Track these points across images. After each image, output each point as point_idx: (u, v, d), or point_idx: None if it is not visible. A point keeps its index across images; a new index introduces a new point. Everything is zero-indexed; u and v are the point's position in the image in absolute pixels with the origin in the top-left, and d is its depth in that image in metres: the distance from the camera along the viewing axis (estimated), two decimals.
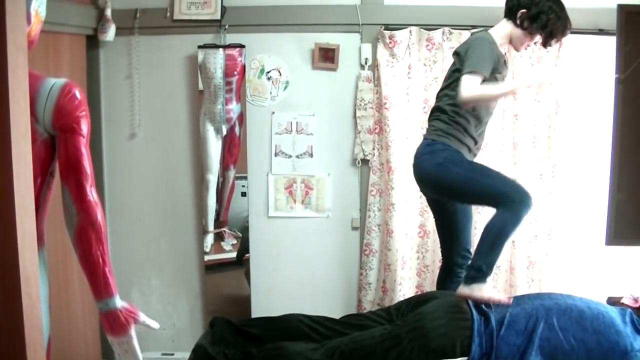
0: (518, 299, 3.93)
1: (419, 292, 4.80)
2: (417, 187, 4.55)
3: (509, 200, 3.78)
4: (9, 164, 1.75)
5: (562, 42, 3.98)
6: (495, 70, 3.86)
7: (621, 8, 4.16)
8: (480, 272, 3.82)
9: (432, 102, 4.58)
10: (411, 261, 4.85)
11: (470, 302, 3.87)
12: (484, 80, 3.75)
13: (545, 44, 3.92)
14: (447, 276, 4.30)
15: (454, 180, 3.91)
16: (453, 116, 3.94)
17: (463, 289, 3.83)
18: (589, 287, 4.52)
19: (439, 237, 4.36)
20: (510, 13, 3.95)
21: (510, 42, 4.01)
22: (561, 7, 3.86)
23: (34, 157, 1.99)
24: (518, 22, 3.90)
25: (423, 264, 4.87)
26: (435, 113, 4.07)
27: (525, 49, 3.98)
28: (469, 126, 3.95)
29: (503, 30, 3.97)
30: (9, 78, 1.71)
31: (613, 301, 4.16)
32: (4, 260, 1.81)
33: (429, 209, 4.67)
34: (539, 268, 4.75)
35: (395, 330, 3.74)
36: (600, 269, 4.66)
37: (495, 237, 3.85)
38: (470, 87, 3.71)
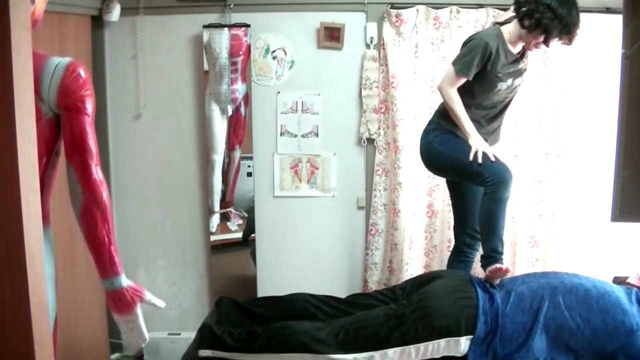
0: (524, 278, 3.95)
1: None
2: (424, 167, 4.62)
3: (484, 180, 3.91)
4: (14, 143, 1.75)
5: (572, 40, 3.91)
6: (493, 69, 3.91)
7: None
8: (488, 257, 3.92)
9: (440, 81, 4.60)
10: (419, 241, 4.85)
11: (475, 281, 3.89)
12: (467, 81, 3.93)
13: (546, 42, 3.88)
14: (457, 255, 4.34)
15: (440, 159, 4.11)
16: None
17: (485, 275, 3.93)
18: (595, 267, 4.52)
19: (453, 215, 4.41)
20: (516, 12, 3.93)
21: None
22: (563, 6, 3.76)
23: (39, 136, 1.99)
24: (519, 20, 3.89)
25: (431, 243, 4.87)
26: None
27: (537, 47, 3.94)
28: (469, 110, 3.98)
29: (513, 29, 3.96)
30: (12, 56, 1.71)
31: (619, 280, 4.15)
32: (9, 239, 1.81)
33: (437, 189, 4.74)
34: (544, 247, 4.76)
35: (399, 309, 3.75)
36: (606, 249, 4.66)
37: (487, 222, 3.99)
38: (448, 86, 3.95)
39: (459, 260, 4.32)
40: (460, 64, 3.90)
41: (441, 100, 4.09)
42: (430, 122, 4.19)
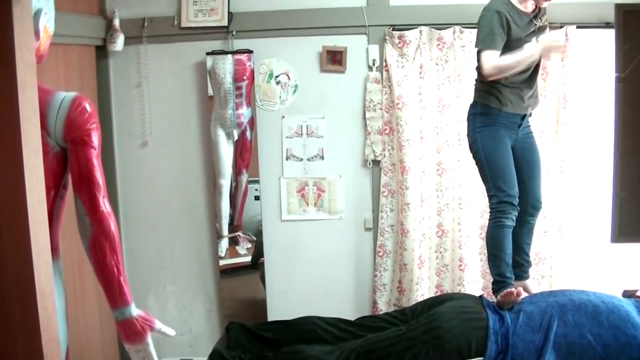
0: (531, 297, 3.95)
1: (439, 292, 4.81)
2: (433, 187, 4.66)
3: (490, 200, 4.09)
4: (22, 180, 1.78)
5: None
6: (515, 35, 3.94)
7: (619, 7, 4.15)
8: (498, 283, 3.99)
9: (445, 102, 4.67)
10: (429, 261, 4.85)
11: (485, 302, 3.90)
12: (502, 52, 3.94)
13: None
14: (518, 221, 4.23)
15: (477, 153, 4.13)
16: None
17: (497, 301, 3.97)
18: (603, 282, 4.50)
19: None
20: None
21: None
22: None
23: (47, 170, 2.02)
24: None
25: (442, 263, 4.86)
26: (476, 77, 4.20)
27: (548, 0, 3.98)
28: (506, 79, 4.01)
29: None
30: (19, 95, 1.74)
31: (629, 294, 4.14)
32: (19, 274, 1.84)
33: (446, 208, 4.75)
34: (550, 264, 4.74)
35: (410, 331, 3.75)
36: (614, 263, 4.64)
37: (490, 247, 4.10)
38: (489, 63, 3.90)
39: (520, 225, 4.23)
40: (482, 41, 3.92)
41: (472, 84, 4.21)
42: (475, 104, 4.17)
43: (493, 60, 3.89)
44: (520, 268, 4.25)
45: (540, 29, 4.08)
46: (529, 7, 4.01)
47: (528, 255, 4.33)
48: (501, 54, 3.94)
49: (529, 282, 4.28)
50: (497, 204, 4.03)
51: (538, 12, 4.06)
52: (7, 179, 1.79)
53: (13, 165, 1.78)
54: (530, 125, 4.28)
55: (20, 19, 1.74)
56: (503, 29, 3.89)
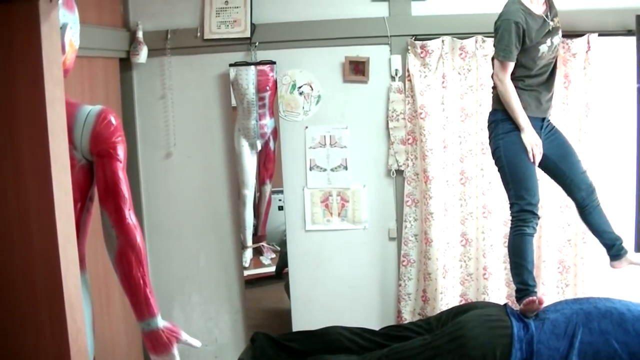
0: (556, 305, 3.94)
1: (463, 301, 4.79)
2: (457, 196, 4.66)
3: (511, 208, 4.10)
4: (50, 194, 1.80)
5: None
6: (532, 41, 3.98)
7: (639, 18, 4.17)
8: (521, 291, 3.96)
9: (468, 111, 4.67)
10: (454, 270, 4.83)
11: (509, 310, 3.89)
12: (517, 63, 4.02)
13: None
14: (582, 214, 4.25)
15: (499, 160, 4.14)
16: None
17: (520, 309, 3.96)
18: (628, 290, 4.47)
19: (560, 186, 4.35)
20: None
21: None
22: None
23: (73, 183, 2.04)
24: None
25: (466, 272, 4.84)
26: (493, 84, 4.23)
27: None
28: (523, 83, 4.06)
29: None
30: (47, 111, 1.76)
31: None
32: (49, 287, 1.86)
33: (470, 217, 4.74)
34: (574, 272, 4.71)
35: (435, 340, 3.76)
36: (639, 272, 4.61)
37: (512, 255, 4.07)
38: (501, 75, 4.01)
39: (585, 217, 4.25)
40: (501, 51, 3.97)
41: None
42: (495, 111, 4.19)
43: (506, 78, 3.99)
44: (613, 248, 4.17)
45: (555, 30, 4.10)
46: (540, 6, 4.05)
47: (613, 233, 4.21)
48: (522, 56, 4.00)
49: (630, 256, 4.19)
50: (517, 212, 4.03)
51: (549, 12, 4.08)
52: (36, 193, 1.81)
53: (42, 179, 1.80)
54: (551, 122, 4.29)
55: (48, 36, 1.77)
56: (519, 40, 3.94)
